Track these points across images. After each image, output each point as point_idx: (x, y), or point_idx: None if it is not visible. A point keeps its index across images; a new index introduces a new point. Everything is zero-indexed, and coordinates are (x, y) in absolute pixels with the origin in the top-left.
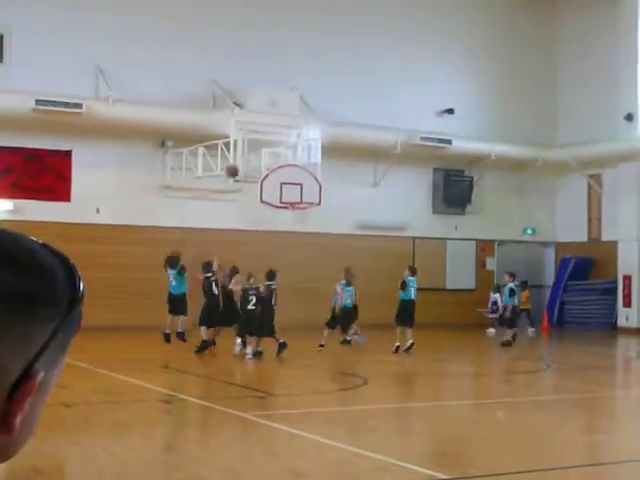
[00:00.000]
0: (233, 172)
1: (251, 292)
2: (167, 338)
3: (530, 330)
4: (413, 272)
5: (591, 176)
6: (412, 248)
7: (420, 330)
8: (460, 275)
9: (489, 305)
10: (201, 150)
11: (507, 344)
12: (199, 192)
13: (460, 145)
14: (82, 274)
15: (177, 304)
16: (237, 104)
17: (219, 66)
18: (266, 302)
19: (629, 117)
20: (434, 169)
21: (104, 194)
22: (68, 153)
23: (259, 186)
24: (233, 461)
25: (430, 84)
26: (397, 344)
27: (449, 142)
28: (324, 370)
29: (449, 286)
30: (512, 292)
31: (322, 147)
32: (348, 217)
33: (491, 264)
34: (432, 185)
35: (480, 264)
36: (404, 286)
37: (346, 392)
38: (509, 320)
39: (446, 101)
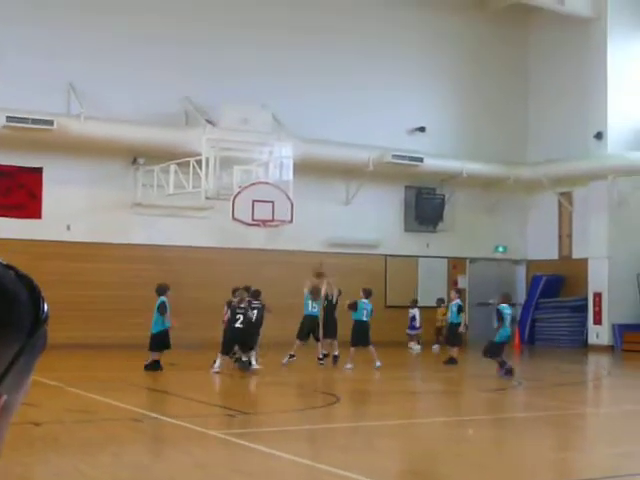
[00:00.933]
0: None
1: (239, 311)
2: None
3: (434, 347)
4: (367, 294)
5: (562, 194)
6: (384, 266)
7: (392, 348)
8: (432, 293)
9: (409, 320)
10: (173, 167)
11: (452, 362)
12: (170, 209)
13: (432, 163)
14: (52, 292)
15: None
16: (209, 122)
17: (191, 84)
18: (251, 320)
19: (599, 135)
20: (406, 187)
21: (75, 211)
22: (39, 170)
23: (231, 203)
24: None
25: (402, 102)
26: (348, 365)
27: (421, 160)
28: (296, 388)
29: (421, 303)
30: (460, 309)
31: (294, 164)
32: (320, 234)
33: (462, 282)
34: (404, 203)
35: (452, 282)
36: (355, 307)
37: (318, 410)
38: (454, 338)
39: (418, 119)
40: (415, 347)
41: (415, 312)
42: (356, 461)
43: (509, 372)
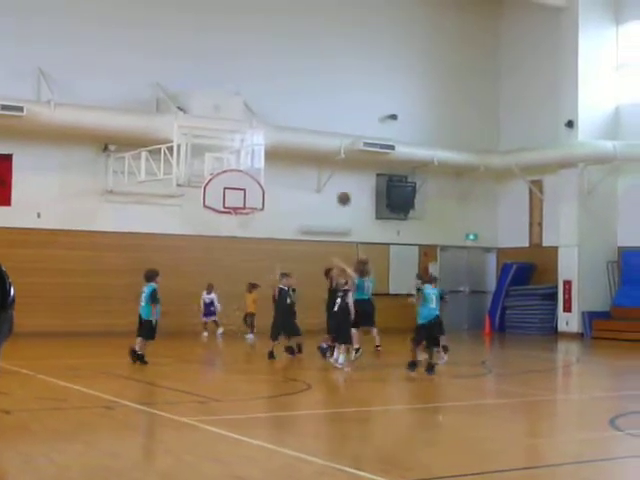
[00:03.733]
0: (344, 199)
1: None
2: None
3: (249, 337)
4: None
5: (532, 182)
6: (356, 253)
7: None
8: (403, 280)
9: (202, 306)
10: (144, 154)
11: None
12: (141, 197)
13: (403, 151)
14: (23, 279)
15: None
16: (180, 108)
17: (163, 69)
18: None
19: (569, 124)
20: (377, 174)
21: (45, 198)
22: (8, 157)
23: (202, 191)
24: (177, 467)
25: (374, 89)
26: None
27: (392, 148)
28: (267, 375)
29: (392, 291)
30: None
31: (266, 152)
32: (292, 222)
33: (434, 269)
34: (375, 190)
35: (423, 269)
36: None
37: (289, 397)
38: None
39: (389, 107)
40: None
41: (213, 297)
42: (326, 448)
43: (431, 368)
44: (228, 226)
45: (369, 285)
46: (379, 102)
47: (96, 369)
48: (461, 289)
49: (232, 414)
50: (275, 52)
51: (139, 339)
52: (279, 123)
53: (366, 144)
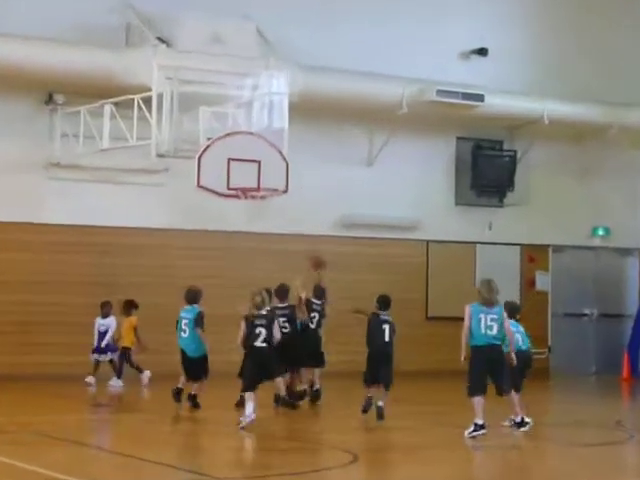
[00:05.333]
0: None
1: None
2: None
3: (113, 382)
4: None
5: None
6: (425, 256)
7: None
8: (499, 298)
9: (95, 338)
10: (108, 109)
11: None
12: (105, 173)
13: (497, 103)
14: None
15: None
16: (162, 40)
17: None
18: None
19: None
20: (458, 139)
21: None
22: None
23: (196, 164)
24: None
25: (451, 12)
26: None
27: (481, 98)
28: (287, 441)
29: None
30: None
31: (290, 105)
32: (328, 211)
33: (543, 282)
34: (455, 163)
35: (527, 282)
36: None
37: (328, 474)
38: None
39: (476, 38)
40: (116, 383)
41: (109, 323)
42: None
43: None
44: (234, 216)
45: None
46: (460, 32)
47: (36, 431)
48: (585, 312)
49: None
50: None
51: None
52: (309, 62)
53: (441, 92)
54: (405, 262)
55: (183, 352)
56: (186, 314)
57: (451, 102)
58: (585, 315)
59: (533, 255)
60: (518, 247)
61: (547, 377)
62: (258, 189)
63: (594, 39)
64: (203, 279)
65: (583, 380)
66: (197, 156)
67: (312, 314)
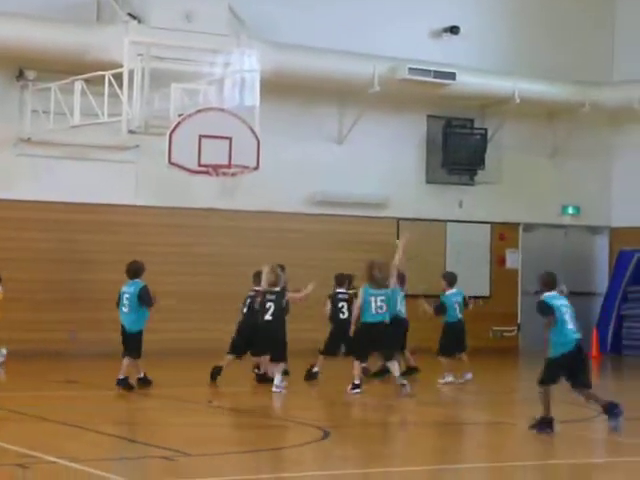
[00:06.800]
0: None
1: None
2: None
3: None
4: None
5: None
6: (396, 234)
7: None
8: (469, 275)
9: None
10: (78, 85)
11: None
12: (75, 149)
13: (468, 81)
14: None
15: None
16: (133, 16)
17: None
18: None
19: None
20: (429, 117)
21: None
22: None
23: (167, 140)
24: None
25: None
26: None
27: (452, 76)
28: (255, 417)
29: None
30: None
31: (262, 82)
32: (299, 188)
33: (513, 260)
34: (426, 141)
35: (497, 259)
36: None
37: (296, 450)
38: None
39: (448, 16)
40: None
41: None
42: None
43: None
44: (205, 193)
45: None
46: (432, 10)
47: (5, 407)
48: (562, 288)
49: (213, 476)
50: None
51: (126, 360)
52: (281, 39)
53: (413, 71)
54: (376, 240)
55: (123, 328)
56: (128, 288)
57: (422, 80)
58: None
59: (503, 233)
60: (488, 225)
61: (516, 355)
62: (229, 166)
63: (565, 18)
64: (173, 256)
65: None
66: (168, 133)
67: (340, 304)
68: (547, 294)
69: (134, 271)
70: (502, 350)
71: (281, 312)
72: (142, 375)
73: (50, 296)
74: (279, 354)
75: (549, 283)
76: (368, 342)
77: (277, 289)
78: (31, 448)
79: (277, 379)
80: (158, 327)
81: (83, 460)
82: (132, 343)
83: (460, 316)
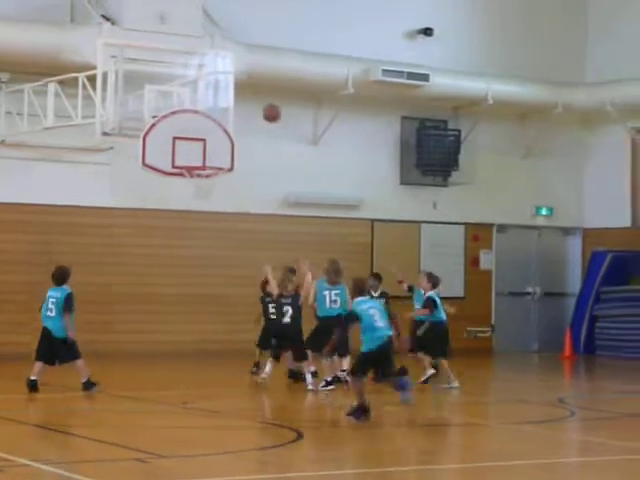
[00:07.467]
0: (272, 114)
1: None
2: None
3: None
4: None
5: (638, 130)
6: (370, 235)
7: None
8: (444, 276)
9: None
10: (52, 87)
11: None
12: (49, 151)
13: (441, 82)
14: None
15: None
16: (107, 18)
17: None
18: None
19: None
20: (403, 118)
21: None
22: None
23: (141, 142)
24: None
25: None
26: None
27: (425, 78)
28: (238, 419)
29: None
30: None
31: (236, 84)
32: (274, 190)
33: (487, 261)
34: (400, 142)
35: (471, 260)
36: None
37: (273, 451)
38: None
39: (421, 17)
40: None
41: None
42: None
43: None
44: (180, 195)
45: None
46: (406, 11)
47: None
48: (529, 291)
49: (187, 478)
50: None
51: (38, 364)
52: (256, 41)
53: (386, 72)
54: (350, 241)
55: (46, 332)
56: (54, 293)
57: (396, 82)
58: (528, 294)
59: (477, 234)
60: (462, 226)
61: (490, 355)
62: (203, 168)
63: (538, 19)
64: (148, 258)
65: (526, 358)
66: (142, 135)
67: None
68: (356, 299)
69: (61, 277)
70: (476, 351)
71: (298, 314)
72: (86, 379)
73: (24, 298)
74: (301, 354)
75: (360, 287)
76: (321, 335)
77: (292, 293)
78: (5, 451)
79: (308, 378)
80: (133, 329)
81: (57, 463)
82: (64, 347)
83: (445, 317)
